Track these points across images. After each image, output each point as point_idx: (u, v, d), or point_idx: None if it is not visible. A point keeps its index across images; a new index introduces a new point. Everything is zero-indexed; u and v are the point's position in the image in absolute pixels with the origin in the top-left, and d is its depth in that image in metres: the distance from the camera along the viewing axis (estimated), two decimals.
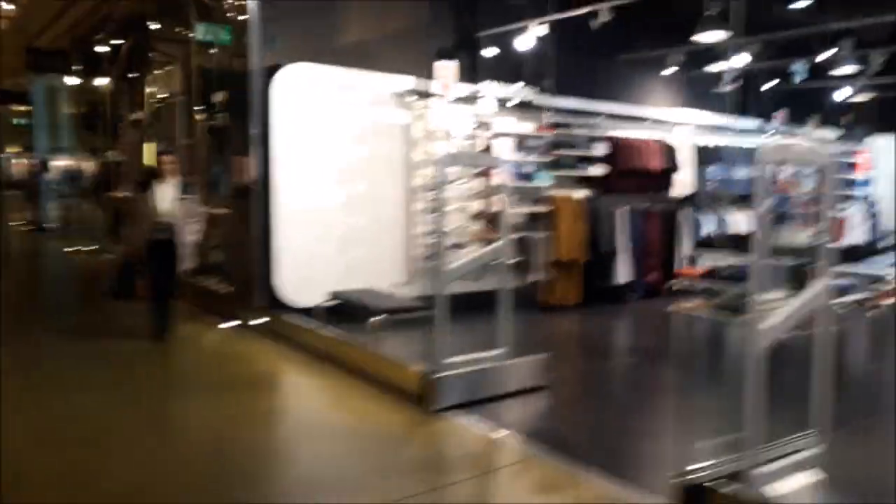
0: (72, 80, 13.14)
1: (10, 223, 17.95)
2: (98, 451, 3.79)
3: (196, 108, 8.91)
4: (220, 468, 3.64)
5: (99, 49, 11.56)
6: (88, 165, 12.80)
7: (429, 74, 7.32)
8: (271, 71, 6.43)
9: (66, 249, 12.48)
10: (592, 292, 8.11)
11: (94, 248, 11.88)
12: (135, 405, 4.58)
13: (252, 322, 6.59)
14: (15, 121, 19.38)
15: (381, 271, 6.93)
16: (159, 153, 6.05)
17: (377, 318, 5.21)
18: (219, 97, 7.58)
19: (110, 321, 6.74)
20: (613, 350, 6.92)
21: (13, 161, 20.33)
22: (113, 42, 11.11)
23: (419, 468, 3.70)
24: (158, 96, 10.53)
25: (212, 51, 8.23)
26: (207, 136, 8.27)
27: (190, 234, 5.86)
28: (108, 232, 11.70)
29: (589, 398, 5.01)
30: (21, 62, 16.86)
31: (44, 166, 15.30)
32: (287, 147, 6.45)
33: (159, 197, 5.80)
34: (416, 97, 7.10)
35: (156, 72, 10.31)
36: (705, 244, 7.55)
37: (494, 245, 4.82)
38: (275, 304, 6.44)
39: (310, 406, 4.83)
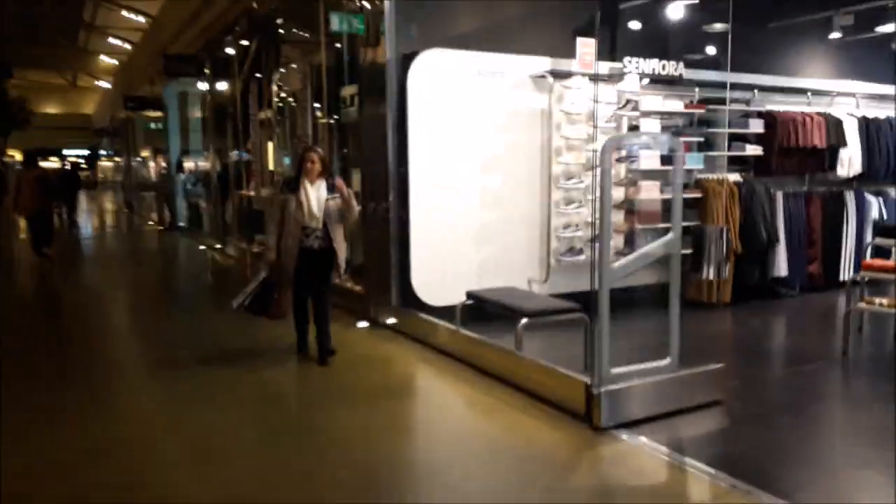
0: (203, 84, 13.55)
1: (147, 222, 19.09)
2: (245, 465, 3.57)
3: (319, 105, 8.82)
4: (367, 487, 3.31)
5: (228, 51, 11.79)
6: (218, 166, 13.17)
7: (568, 53, 6.76)
8: (407, 59, 6.11)
9: (200, 247, 12.98)
10: (744, 287, 7.28)
11: (223, 246, 12.27)
12: (280, 416, 4.38)
13: (387, 321, 6.34)
14: (150, 125, 20.53)
15: (516, 268, 6.48)
16: (305, 150, 5.27)
17: (524, 320, 4.74)
18: (349, 91, 7.36)
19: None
20: (789, 355, 6.08)
21: (149, 164, 21.58)
22: (241, 43, 11.28)
23: (596, 498, 3.21)
24: (283, 95, 10.59)
25: (338, 45, 8.07)
26: (336, 133, 8.13)
27: (342, 239, 5.16)
28: (238, 231, 12.00)
29: (776, 415, 4.30)
30: (156, 69, 17.80)
31: (177, 168, 15.99)
32: (423, 139, 6.12)
33: (310, 198, 5.01)
34: (554, 78, 6.56)
35: (282, 70, 10.36)
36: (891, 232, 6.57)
37: (667, 238, 4.22)
38: (409, 303, 6.14)
39: (457, 417, 4.45)
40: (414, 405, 4.76)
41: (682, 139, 6.98)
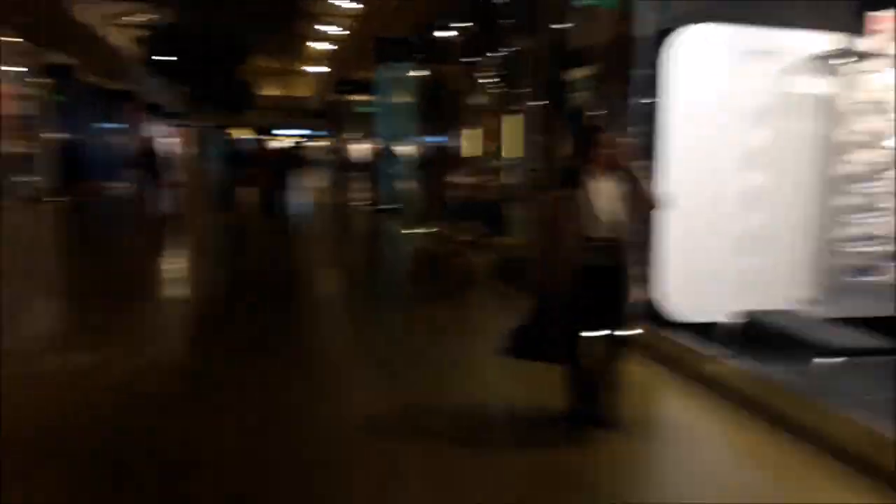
0: (414, 68, 13.61)
1: (353, 202, 19.93)
2: None
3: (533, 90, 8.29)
4: None
5: (441, 35, 11.64)
6: (427, 150, 13.18)
7: (857, 30, 5.57)
8: (661, 36, 5.34)
9: (404, 231, 13.14)
10: None
11: (431, 230, 12.22)
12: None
13: (624, 333, 5.66)
14: (360, 108, 21.36)
15: (781, 284, 5.47)
16: (592, 129, 4.07)
17: (824, 359, 3.84)
18: (580, 73, 6.73)
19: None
20: None
21: (355, 146, 22.54)
22: (455, 26, 11.06)
23: None
24: (498, 80, 10.21)
25: (566, 24, 7.46)
26: (565, 121, 7.57)
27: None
28: (442, 217, 11.90)
29: None
30: (369, 53, 18.39)
31: (385, 151, 16.35)
32: (679, 128, 5.33)
33: (600, 197, 3.72)
34: (843, 60, 5.42)
35: (500, 52, 9.97)
36: None
37: None
38: (652, 316, 5.41)
39: (731, 469, 3.68)
40: (671, 448, 4.02)
41: None
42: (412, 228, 12.92)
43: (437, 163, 12.51)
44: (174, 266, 9.77)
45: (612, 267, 3.75)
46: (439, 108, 12.39)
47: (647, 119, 5.40)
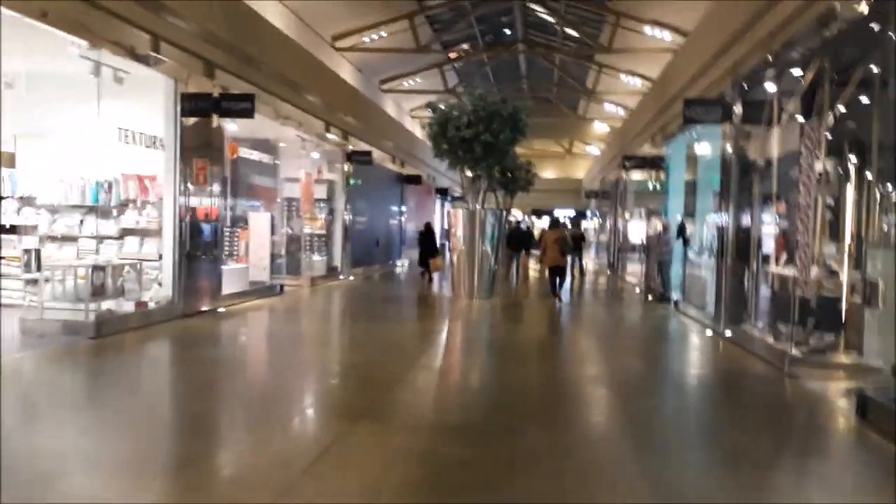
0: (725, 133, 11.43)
1: (631, 287, 17.95)
2: None
3: None
4: None
5: (766, 88, 9.52)
6: (730, 232, 10.83)
7: None
8: None
9: (707, 332, 10.82)
10: None
11: (733, 335, 9.71)
12: None
13: None
14: (644, 185, 19.59)
15: None
16: None
17: None
18: None
19: None
20: None
21: (636, 225, 20.62)
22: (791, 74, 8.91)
23: None
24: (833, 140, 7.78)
25: None
26: None
27: None
28: (757, 318, 9.43)
29: None
30: (658, 125, 16.73)
31: (678, 232, 14.23)
32: None
33: None
34: None
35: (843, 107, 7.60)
36: None
37: None
38: None
39: None
40: None
41: None
42: (712, 328, 10.58)
43: (753, 247, 10.17)
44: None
45: None
46: (754, 179, 10.12)
47: None
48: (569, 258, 15.90)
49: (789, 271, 8.60)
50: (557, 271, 14.01)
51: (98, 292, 8.32)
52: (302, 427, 5.57)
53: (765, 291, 9.60)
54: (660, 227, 15.65)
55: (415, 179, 25.52)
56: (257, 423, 5.39)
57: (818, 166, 7.57)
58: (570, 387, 7.17)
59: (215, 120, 10.78)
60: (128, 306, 9.03)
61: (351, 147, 18.02)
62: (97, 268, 8.42)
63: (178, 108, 9.99)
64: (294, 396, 6.57)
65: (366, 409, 5.81)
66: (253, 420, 5.53)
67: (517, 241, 19.54)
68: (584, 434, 5.46)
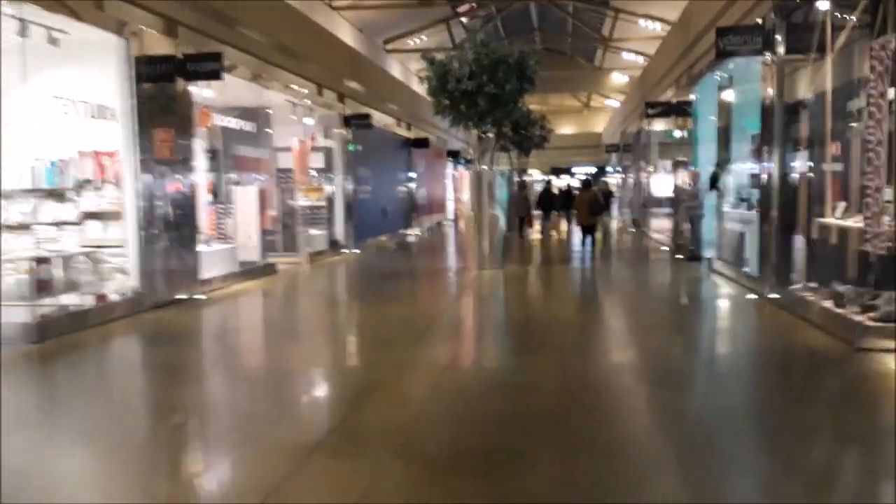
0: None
1: (658, 245, 16.59)
2: None
3: None
4: None
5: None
6: (777, 179, 9.41)
7: None
8: None
9: (748, 295, 9.49)
10: None
11: (780, 297, 8.36)
12: None
13: None
14: (670, 133, 18.11)
15: None
16: None
17: None
18: None
19: None
20: None
21: (664, 179, 19.21)
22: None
23: None
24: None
25: None
26: None
27: None
28: (808, 277, 8.09)
29: None
30: (683, 69, 15.13)
31: (710, 183, 12.86)
32: None
33: None
34: None
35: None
36: None
37: None
38: None
39: None
40: None
41: None
42: (757, 290, 9.25)
43: (801, 196, 8.79)
44: None
45: None
46: (801, 119, 8.67)
47: None
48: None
49: (850, 222, 7.23)
50: (588, 230, 15.34)
51: (44, 287, 7.24)
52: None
53: (818, 247, 8.25)
54: (689, 179, 14.23)
55: (423, 143, 24.14)
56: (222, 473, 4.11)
57: (891, 93, 6.13)
58: (599, 384, 5.74)
59: (180, 84, 9.57)
60: (88, 300, 7.98)
61: (348, 110, 16.71)
62: (41, 260, 7.32)
63: (133, 73, 8.79)
64: (271, 417, 5.05)
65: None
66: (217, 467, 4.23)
67: (548, 202, 21.00)
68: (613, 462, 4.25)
